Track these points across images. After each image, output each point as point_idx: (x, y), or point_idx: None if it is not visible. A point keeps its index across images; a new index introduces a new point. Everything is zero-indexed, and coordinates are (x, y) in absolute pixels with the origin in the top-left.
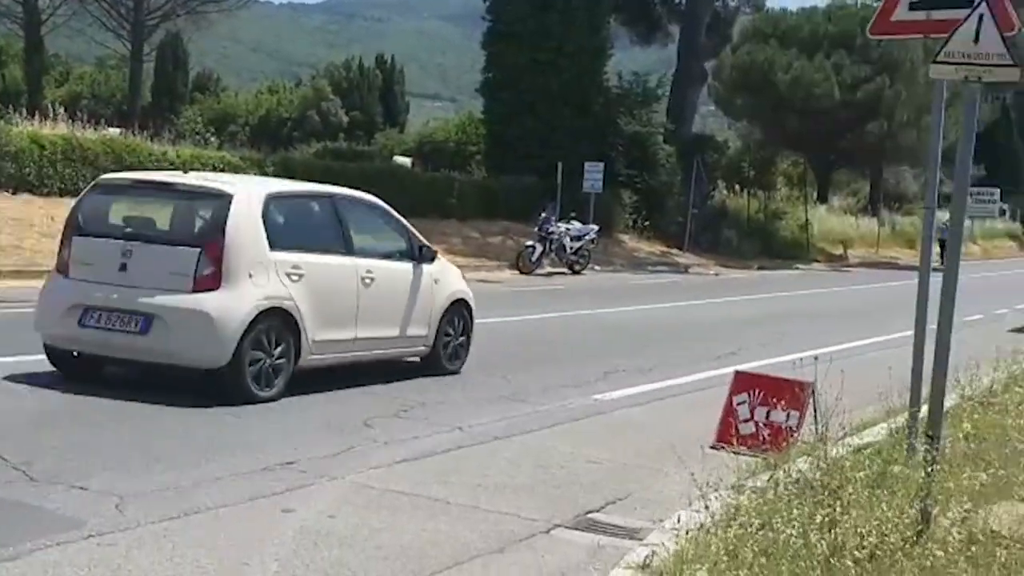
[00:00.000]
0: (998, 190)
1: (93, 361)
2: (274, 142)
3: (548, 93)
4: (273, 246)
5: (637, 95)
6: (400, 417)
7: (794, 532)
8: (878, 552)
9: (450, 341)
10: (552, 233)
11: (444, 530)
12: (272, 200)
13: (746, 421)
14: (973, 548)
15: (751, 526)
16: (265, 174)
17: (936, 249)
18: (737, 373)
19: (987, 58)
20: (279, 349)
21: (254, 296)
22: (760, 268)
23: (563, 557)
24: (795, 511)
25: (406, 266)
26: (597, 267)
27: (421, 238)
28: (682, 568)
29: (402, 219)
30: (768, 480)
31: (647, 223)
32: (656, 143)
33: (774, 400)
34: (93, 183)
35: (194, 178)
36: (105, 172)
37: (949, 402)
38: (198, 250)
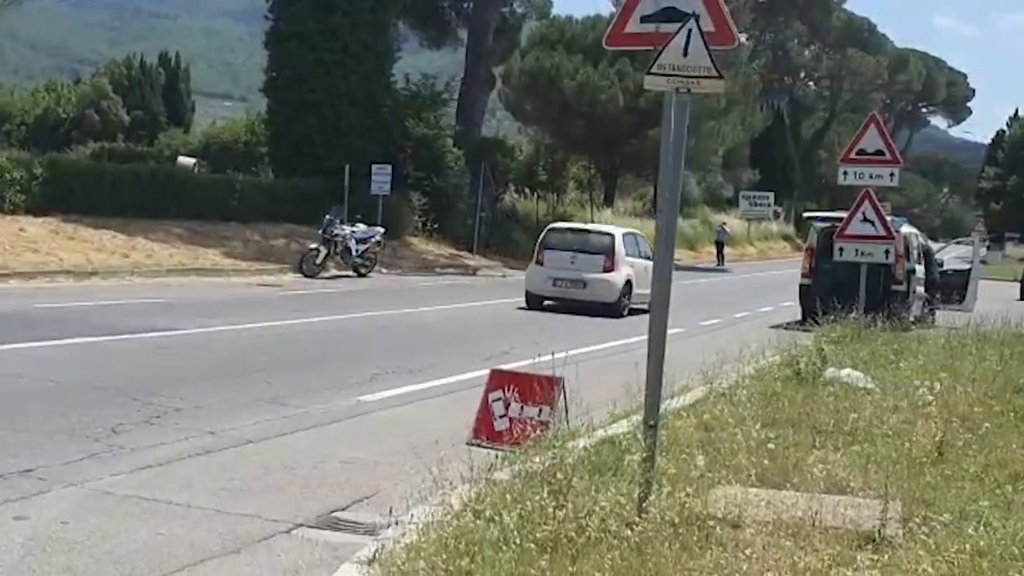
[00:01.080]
0: (772, 194)
1: (541, 300)
2: (51, 142)
3: (334, 94)
4: (625, 255)
5: (425, 97)
6: (151, 423)
7: (510, 520)
8: (595, 536)
9: None
10: (337, 235)
11: (180, 534)
12: (624, 235)
13: (501, 417)
14: (683, 529)
15: (472, 516)
16: (33, 176)
17: (714, 250)
18: (493, 371)
19: (695, 70)
20: (627, 297)
21: (623, 274)
22: None
23: (300, 555)
24: (508, 498)
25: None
26: (384, 270)
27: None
28: (404, 560)
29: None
30: (492, 471)
31: (436, 225)
32: (445, 146)
33: (527, 396)
34: (549, 227)
35: (595, 225)
36: None
37: (698, 394)
38: (603, 256)
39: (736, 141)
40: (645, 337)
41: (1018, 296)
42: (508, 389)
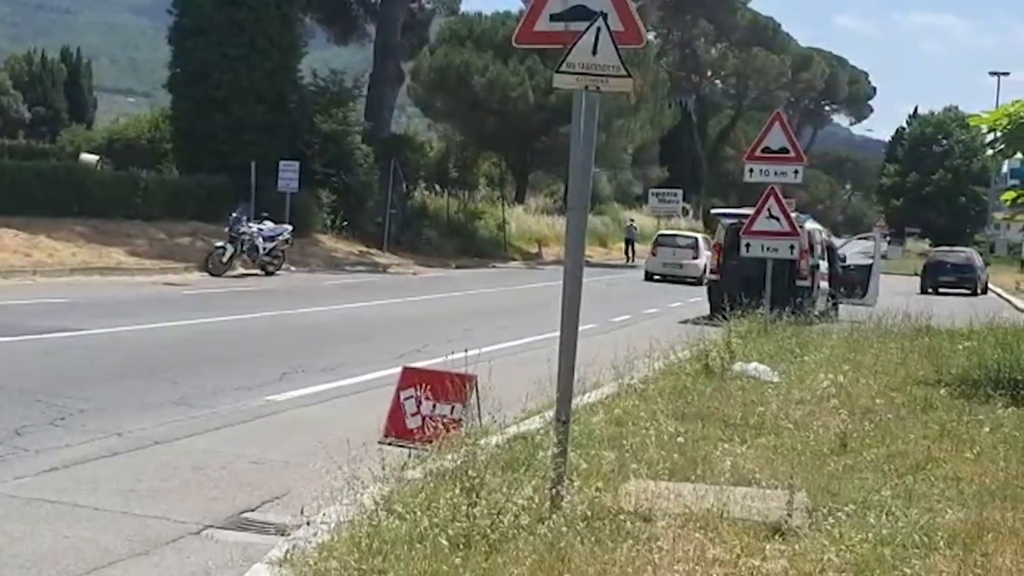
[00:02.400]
0: (681, 190)
1: (654, 276)
2: None
3: (240, 89)
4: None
5: (333, 93)
6: (56, 425)
7: (423, 518)
8: (509, 532)
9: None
10: (244, 233)
11: (87, 537)
12: (701, 238)
13: (413, 415)
14: (596, 523)
15: (384, 515)
16: None
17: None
18: (405, 369)
19: (604, 69)
20: (705, 274)
21: (703, 261)
22: (459, 267)
23: (209, 557)
24: (421, 497)
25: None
26: (292, 268)
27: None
28: (317, 560)
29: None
30: (404, 469)
31: (346, 223)
32: (353, 142)
33: (439, 394)
34: (659, 233)
35: (685, 231)
36: None
37: (609, 390)
38: (692, 249)
39: (646, 139)
40: (556, 334)
41: (918, 290)
42: (420, 387)
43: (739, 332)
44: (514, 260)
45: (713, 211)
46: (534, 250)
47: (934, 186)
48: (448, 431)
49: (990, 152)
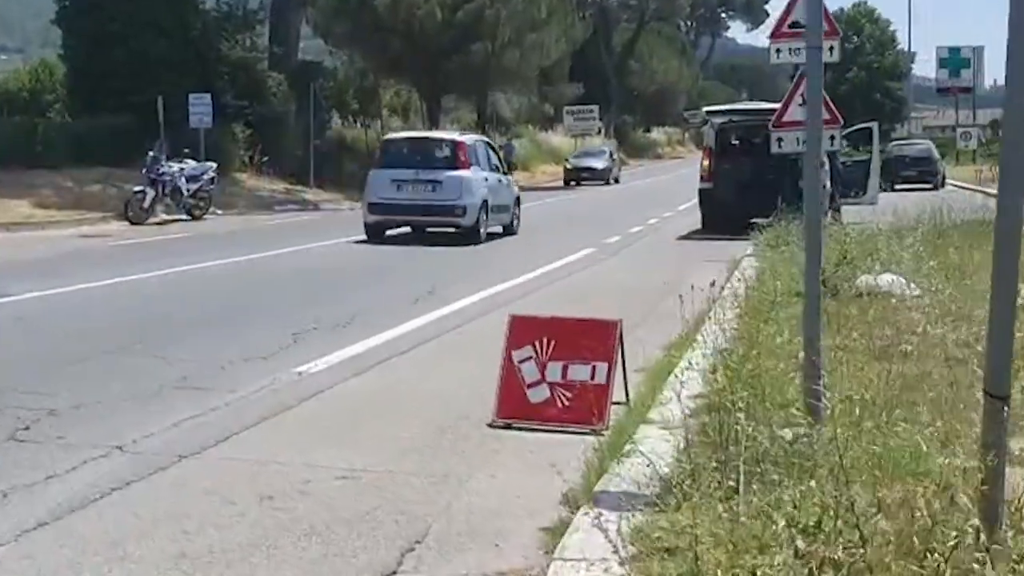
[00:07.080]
0: (597, 107)
1: None
2: None
3: (138, 20)
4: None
5: (238, 18)
6: (19, 440)
7: None
8: None
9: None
10: (164, 175)
11: None
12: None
13: (536, 385)
14: None
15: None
16: None
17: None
18: (513, 318)
19: None
20: None
21: None
22: None
23: None
24: (775, 548)
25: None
26: (219, 211)
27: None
28: None
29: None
30: (640, 476)
31: (265, 159)
32: (263, 70)
33: (570, 351)
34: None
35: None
36: None
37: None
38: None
39: (561, 54)
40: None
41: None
42: (541, 344)
43: (767, 242)
44: None
45: (706, 110)
46: None
47: (849, 84)
48: (600, 404)
49: None
